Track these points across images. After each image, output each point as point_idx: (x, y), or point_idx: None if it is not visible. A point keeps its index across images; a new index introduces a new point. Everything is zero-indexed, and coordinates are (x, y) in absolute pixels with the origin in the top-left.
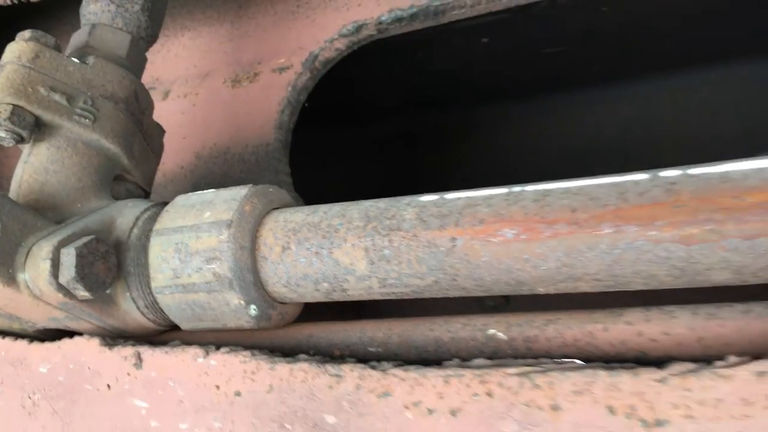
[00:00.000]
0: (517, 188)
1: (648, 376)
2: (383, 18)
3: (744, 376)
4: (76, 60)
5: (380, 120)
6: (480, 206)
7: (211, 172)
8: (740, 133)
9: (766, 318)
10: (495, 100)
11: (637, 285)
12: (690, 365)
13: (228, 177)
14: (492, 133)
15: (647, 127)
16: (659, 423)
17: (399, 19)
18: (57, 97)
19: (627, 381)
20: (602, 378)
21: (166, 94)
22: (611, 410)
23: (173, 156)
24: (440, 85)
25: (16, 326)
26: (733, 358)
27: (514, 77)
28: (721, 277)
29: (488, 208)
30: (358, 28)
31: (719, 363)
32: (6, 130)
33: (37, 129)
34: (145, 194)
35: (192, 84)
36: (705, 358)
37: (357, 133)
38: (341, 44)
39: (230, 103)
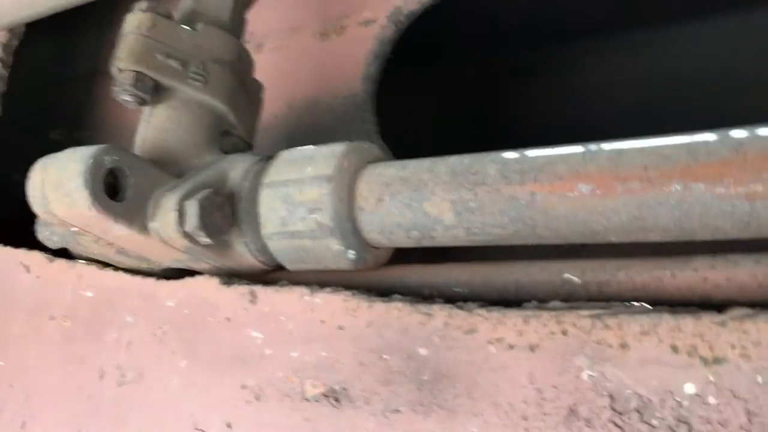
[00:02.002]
0: (593, 146)
1: (708, 319)
2: None
3: None
4: (186, 27)
5: (457, 61)
6: (558, 164)
7: (302, 122)
8: None
9: None
10: (575, 37)
11: (704, 236)
12: (748, 310)
13: (317, 126)
14: (572, 71)
15: (727, 63)
16: (717, 361)
17: None
18: (172, 62)
19: (689, 323)
20: (666, 320)
21: (260, 47)
22: (674, 349)
23: (266, 105)
24: (518, 25)
25: (144, 266)
26: None
27: (594, 15)
28: None
29: (565, 165)
30: None
31: None
32: (131, 95)
33: (156, 92)
34: (248, 146)
35: (283, 37)
36: (765, 302)
37: (435, 73)
38: None
39: (319, 55)
